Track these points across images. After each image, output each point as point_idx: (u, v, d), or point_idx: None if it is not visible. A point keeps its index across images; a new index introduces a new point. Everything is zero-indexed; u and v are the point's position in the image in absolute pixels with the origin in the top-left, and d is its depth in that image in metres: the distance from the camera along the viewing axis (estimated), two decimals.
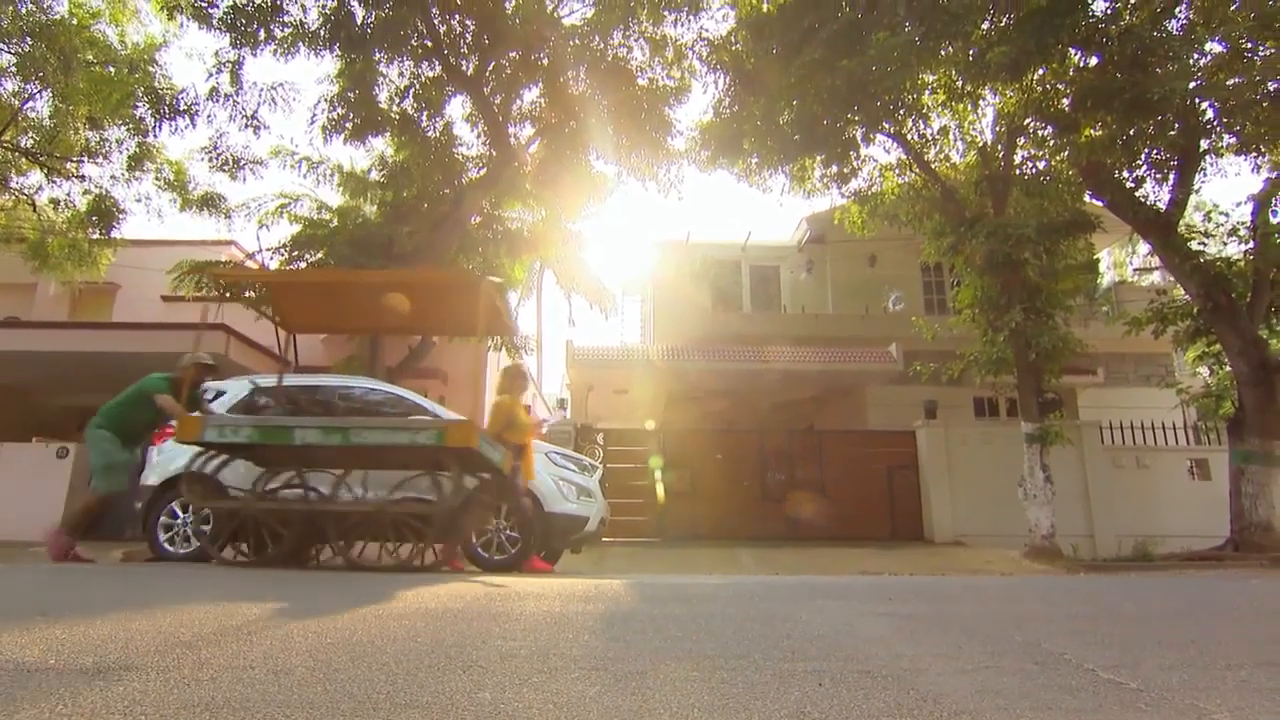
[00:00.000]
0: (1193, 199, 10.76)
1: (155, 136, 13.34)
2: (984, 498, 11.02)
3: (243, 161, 12.26)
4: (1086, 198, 10.40)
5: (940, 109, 10.79)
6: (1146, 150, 9.49)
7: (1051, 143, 9.82)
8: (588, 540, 6.80)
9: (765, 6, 10.72)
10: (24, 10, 12.39)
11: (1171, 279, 11.30)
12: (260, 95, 11.41)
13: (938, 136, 11.21)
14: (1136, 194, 9.84)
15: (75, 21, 12.91)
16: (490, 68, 12.01)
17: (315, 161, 13.19)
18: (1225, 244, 10.38)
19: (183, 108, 11.60)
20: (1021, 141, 10.50)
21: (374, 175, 13.63)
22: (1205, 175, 10.00)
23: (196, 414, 5.65)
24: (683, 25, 11.60)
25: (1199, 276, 9.39)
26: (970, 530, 10.97)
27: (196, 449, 5.56)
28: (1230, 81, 8.66)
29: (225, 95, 11.21)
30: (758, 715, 1.33)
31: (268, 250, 13.16)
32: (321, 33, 10.64)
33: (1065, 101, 9.41)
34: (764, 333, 15.91)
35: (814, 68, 9.17)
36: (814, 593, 4.07)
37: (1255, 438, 9.00)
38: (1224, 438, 10.18)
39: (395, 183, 13.04)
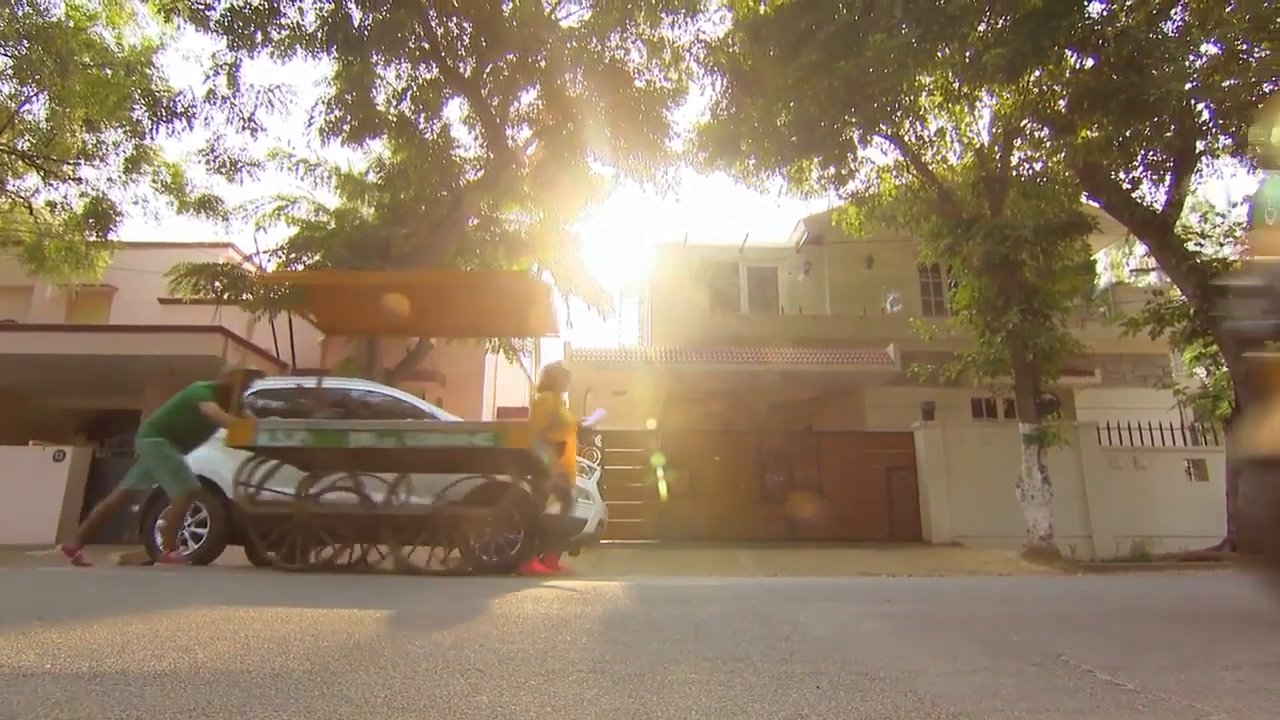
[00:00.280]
0: (1189, 200, 10.79)
1: (152, 139, 13.34)
2: (982, 499, 11.03)
3: (240, 164, 12.25)
4: (1083, 199, 10.43)
5: (937, 110, 10.81)
6: (1143, 151, 9.51)
7: (1048, 144, 9.84)
8: (586, 542, 6.80)
9: (762, 8, 10.74)
10: (20, 13, 12.37)
11: (1168, 280, 11.33)
12: (257, 97, 11.40)
13: (935, 138, 11.24)
14: (1133, 195, 9.86)
15: (72, 24, 12.90)
16: (488, 70, 12.01)
17: (313, 164, 13.19)
18: (1221, 245, 10.41)
19: (180, 110, 11.59)
20: (1018, 143, 10.53)
21: (371, 177, 13.63)
22: (1201, 176, 10.04)
23: (246, 419, 5.60)
24: (680, 27, 11.62)
25: (1195, 277, 9.40)
26: (968, 531, 10.98)
27: (247, 454, 5.52)
28: (1226, 83, 8.69)
29: (222, 97, 11.20)
30: (755, 718, 1.33)
31: (265, 252, 13.15)
32: (319, 35, 10.64)
33: (1062, 103, 9.43)
34: (762, 334, 15.91)
35: (811, 69, 9.19)
36: (812, 594, 4.07)
37: None
38: (1221, 438, 10.20)
39: (393, 185, 13.04)
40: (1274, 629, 2.71)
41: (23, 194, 14.68)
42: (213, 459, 6.22)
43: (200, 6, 10.62)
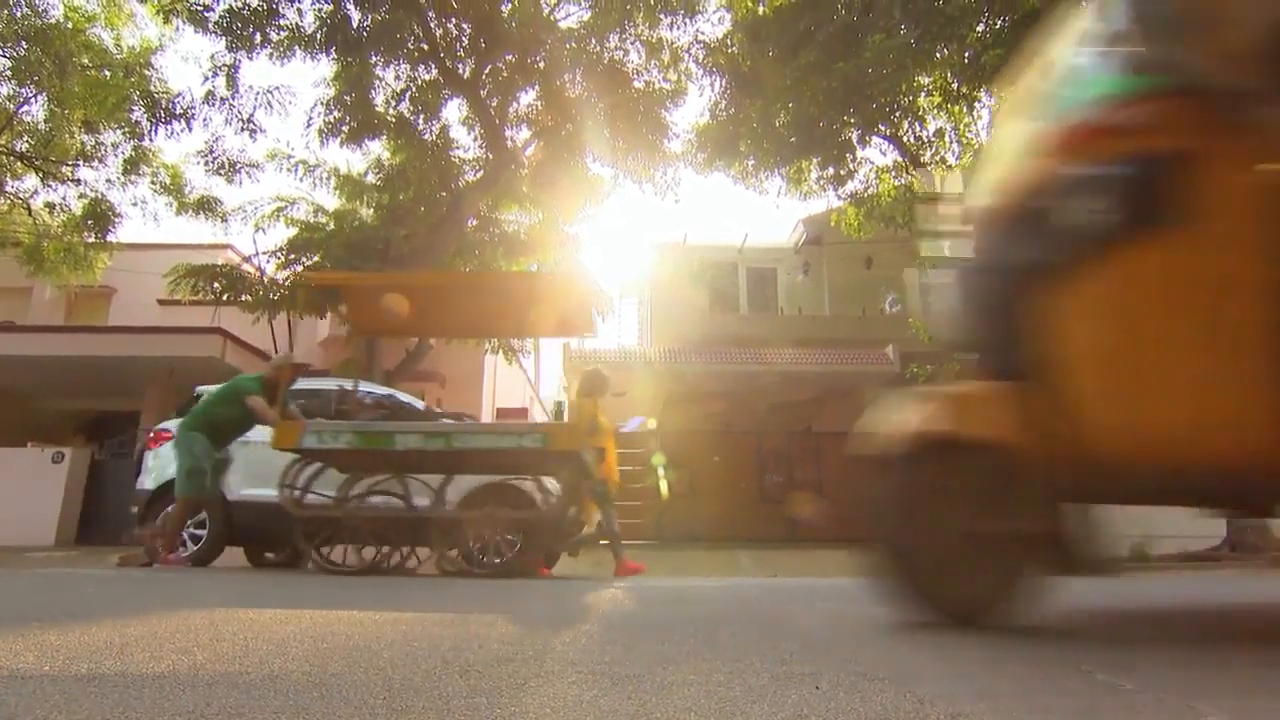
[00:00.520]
0: None
1: (151, 140, 13.35)
2: None
3: (239, 165, 12.27)
4: None
5: (936, 111, 10.83)
6: None
7: None
8: (585, 543, 6.80)
9: (761, 9, 10.75)
10: (19, 14, 12.37)
11: None
12: (256, 99, 11.42)
13: (934, 139, 11.24)
14: None
15: (70, 25, 12.90)
16: (487, 71, 12.02)
17: (312, 165, 13.19)
18: None
19: (179, 111, 11.60)
20: None
21: (370, 178, 13.64)
22: None
23: (292, 419, 5.56)
24: (679, 28, 11.64)
25: None
26: None
27: (293, 455, 5.48)
28: None
29: (221, 99, 11.22)
30: (755, 718, 1.33)
31: (264, 254, 13.15)
32: (318, 36, 10.65)
33: None
34: (761, 334, 15.93)
35: (810, 70, 9.20)
36: (812, 595, 4.07)
37: None
38: None
39: (392, 186, 13.04)
40: (1274, 629, 2.72)
41: (21, 195, 14.69)
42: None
43: (199, 8, 10.62)
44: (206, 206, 13.69)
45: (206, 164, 12.02)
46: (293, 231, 13.05)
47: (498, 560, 5.56)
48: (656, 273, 17.99)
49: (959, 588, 2.34)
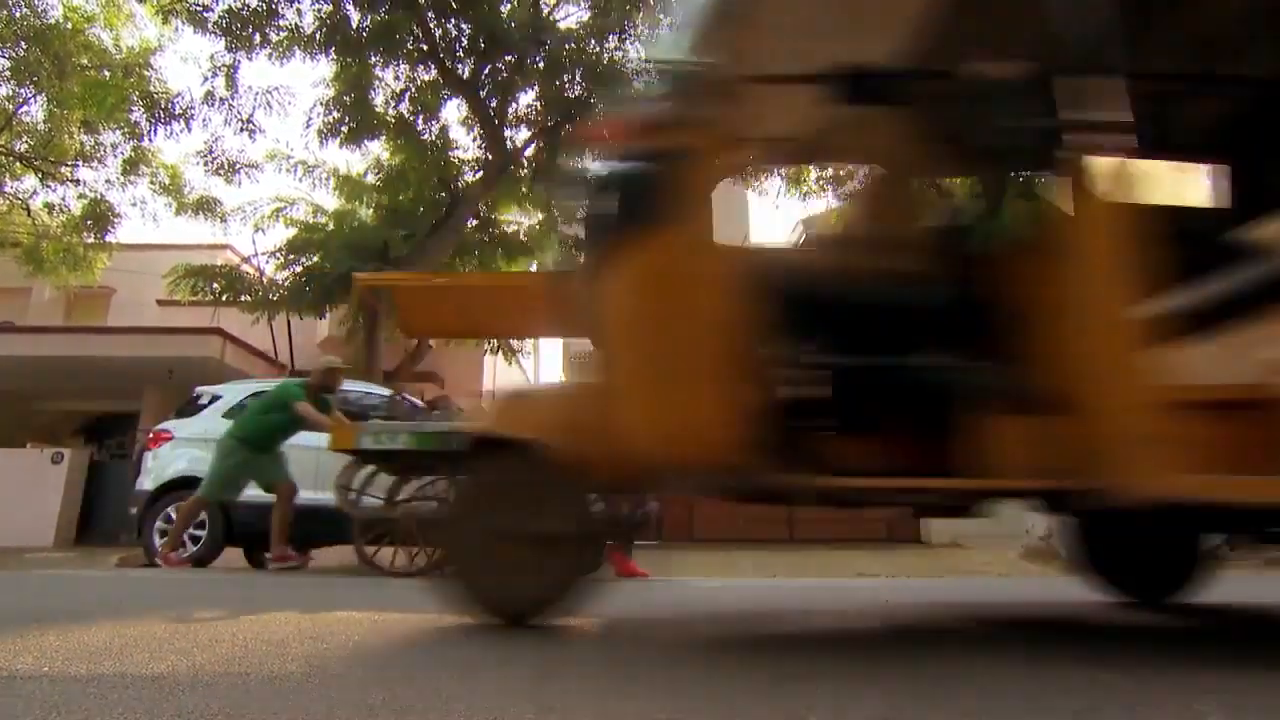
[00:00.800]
0: None
1: (150, 141, 13.34)
2: None
3: (238, 165, 12.27)
4: None
5: None
6: None
7: None
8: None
9: None
10: (18, 15, 12.37)
11: None
12: (256, 99, 11.42)
13: None
14: None
15: (70, 26, 12.90)
16: (486, 71, 12.02)
17: (311, 165, 13.20)
18: None
19: (178, 112, 11.61)
20: None
21: (370, 179, 13.64)
22: None
23: (343, 421, 5.54)
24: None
25: None
26: (966, 532, 10.98)
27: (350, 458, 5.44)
28: None
29: (220, 99, 11.22)
30: (755, 718, 1.33)
31: (263, 254, 13.15)
32: (317, 36, 10.65)
33: None
34: None
35: None
36: (811, 595, 4.07)
37: None
38: None
39: (391, 186, 13.05)
40: (1272, 628, 2.72)
41: (20, 196, 14.67)
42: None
43: (198, 8, 10.63)
44: (206, 207, 13.69)
45: (206, 164, 12.03)
46: (292, 232, 13.05)
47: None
48: None
49: (510, 588, 2.32)
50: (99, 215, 13.71)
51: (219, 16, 10.40)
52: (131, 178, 13.91)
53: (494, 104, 12.35)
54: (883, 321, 2.14)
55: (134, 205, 15.26)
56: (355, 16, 10.79)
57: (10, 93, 13.39)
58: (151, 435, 7.09)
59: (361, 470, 5.51)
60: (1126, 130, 2.25)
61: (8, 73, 12.92)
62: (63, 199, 14.42)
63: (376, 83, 11.83)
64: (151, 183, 14.07)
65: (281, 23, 10.77)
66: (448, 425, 5.34)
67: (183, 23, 10.89)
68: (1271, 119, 2.75)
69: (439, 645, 2.18)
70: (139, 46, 13.74)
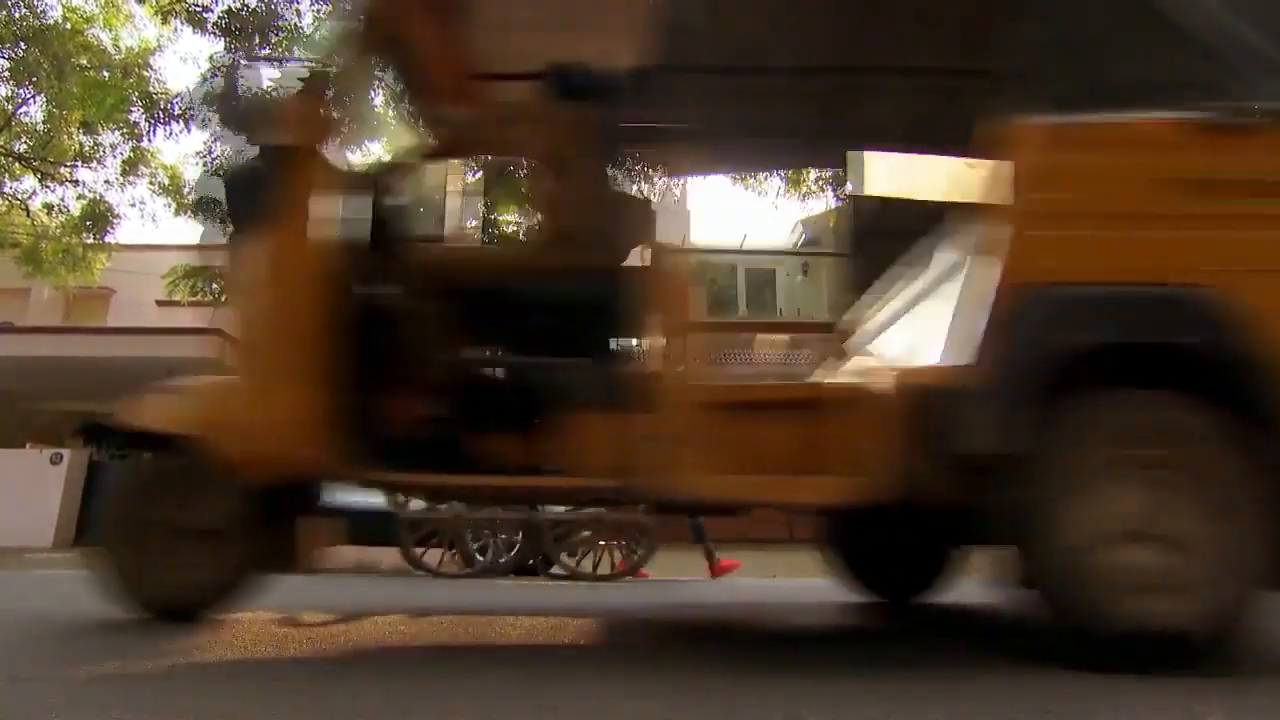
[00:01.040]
0: None
1: (150, 141, 13.31)
2: None
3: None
4: None
5: None
6: None
7: None
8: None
9: None
10: (17, 15, 12.36)
11: None
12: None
13: None
14: None
15: (69, 26, 12.88)
16: None
17: None
18: None
19: (177, 112, 11.58)
20: None
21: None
22: None
23: None
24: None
25: None
26: None
27: None
28: None
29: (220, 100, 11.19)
30: (753, 718, 1.33)
31: None
32: (316, 37, 10.65)
33: None
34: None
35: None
36: (810, 594, 4.07)
37: None
38: None
39: None
40: (1272, 628, 2.72)
41: (20, 196, 14.65)
42: None
43: (198, 8, 10.62)
44: (205, 207, 13.66)
45: (205, 165, 12.01)
46: None
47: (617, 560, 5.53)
48: None
49: (164, 582, 2.28)
50: (98, 216, 13.69)
51: (219, 17, 10.39)
52: (130, 178, 13.90)
53: None
54: (505, 320, 2.14)
55: (133, 206, 15.21)
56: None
57: (10, 93, 13.38)
58: None
59: None
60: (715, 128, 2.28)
61: (7, 73, 12.90)
62: (62, 199, 14.40)
63: (377, 82, 11.81)
64: (151, 183, 14.06)
65: (281, 23, 10.76)
66: None
67: (182, 23, 10.88)
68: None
69: (439, 646, 2.18)
70: (138, 47, 13.72)
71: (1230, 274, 1.74)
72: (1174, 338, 1.74)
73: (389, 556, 6.62)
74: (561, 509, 5.46)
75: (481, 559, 5.58)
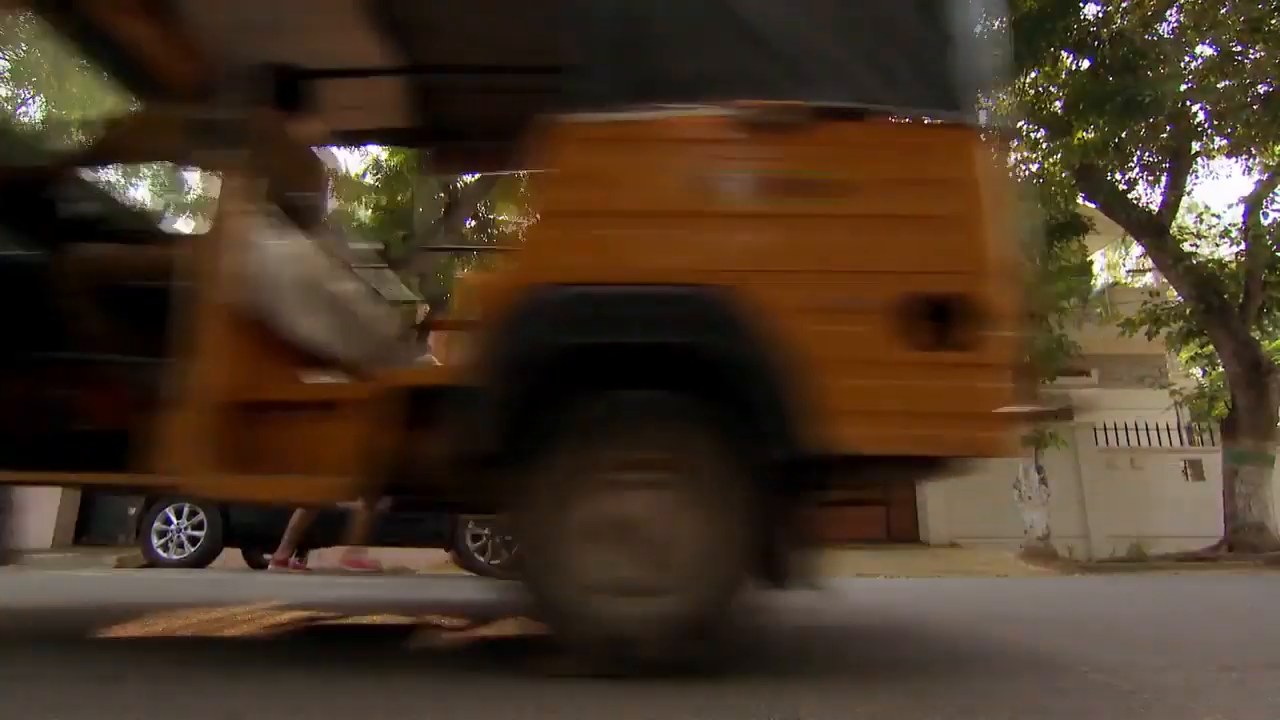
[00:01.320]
0: (1185, 201, 10.82)
1: None
2: (979, 499, 11.03)
3: None
4: (1080, 200, 10.44)
5: None
6: (1139, 153, 9.54)
7: (1044, 145, 9.86)
8: None
9: None
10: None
11: (1164, 280, 11.36)
12: None
13: None
14: (1129, 196, 9.88)
15: None
16: None
17: None
18: (1217, 245, 10.45)
19: None
20: (1015, 144, 10.55)
21: (368, 179, 13.64)
22: (1197, 177, 10.08)
23: None
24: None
25: (1192, 278, 9.43)
26: (965, 532, 10.98)
27: None
28: (1220, 84, 8.72)
29: None
30: (753, 719, 1.34)
31: None
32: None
33: (1058, 104, 9.46)
34: None
35: None
36: (809, 595, 4.07)
37: (1248, 438, 9.04)
38: (1217, 439, 10.23)
39: (390, 187, 13.04)
40: (1270, 629, 2.73)
41: None
42: None
43: None
44: (205, 207, 13.67)
45: None
46: None
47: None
48: None
49: None
50: None
51: None
52: (130, 179, 13.91)
53: None
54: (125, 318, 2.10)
55: (133, 206, 15.12)
56: None
57: (9, 93, 13.37)
58: None
59: None
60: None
61: (7, 74, 12.91)
62: None
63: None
64: (150, 184, 14.08)
65: None
66: None
67: None
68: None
69: (440, 646, 2.18)
70: None
71: (747, 274, 1.69)
72: (666, 338, 1.69)
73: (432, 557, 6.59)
74: None
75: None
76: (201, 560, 6.11)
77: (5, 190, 2.13)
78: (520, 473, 1.68)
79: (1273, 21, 8.25)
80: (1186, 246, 9.99)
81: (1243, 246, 9.81)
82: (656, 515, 1.67)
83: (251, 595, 3.77)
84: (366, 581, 4.99)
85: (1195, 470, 11.41)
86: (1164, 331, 10.54)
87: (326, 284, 2.20)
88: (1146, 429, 11.58)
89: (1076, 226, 9.80)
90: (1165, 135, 9.10)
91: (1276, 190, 9.84)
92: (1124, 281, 18.96)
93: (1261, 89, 8.51)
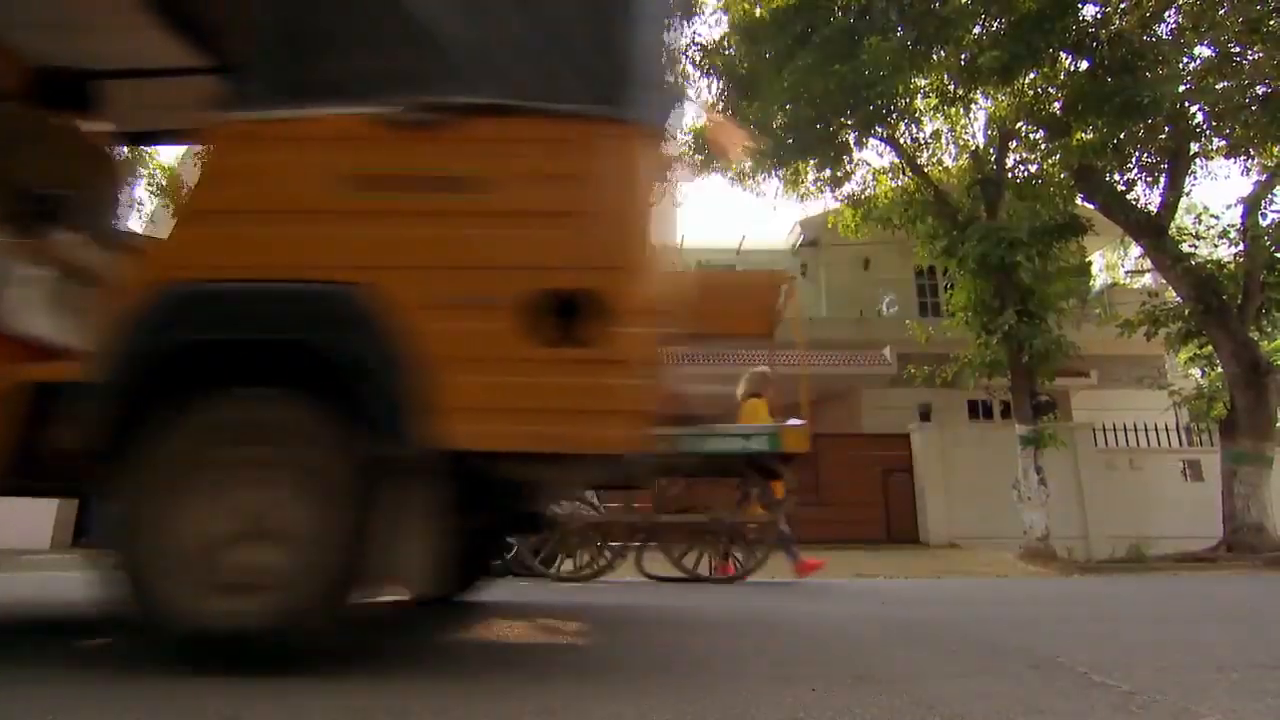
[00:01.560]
0: (1183, 202, 10.84)
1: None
2: (979, 500, 11.04)
3: None
4: (1078, 201, 10.46)
5: (933, 113, 10.84)
6: (1137, 153, 9.56)
7: (1043, 146, 9.88)
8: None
9: (758, 11, 10.76)
10: None
11: (1163, 281, 11.38)
12: None
13: (930, 140, 11.26)
14: (1128, 197, 9.90)
15: None
16: None
17: None
18: (1216, 246, 10.46)
19: None
20: (1013, 145, 10.57)
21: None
22: (1195, 178, 10.09)
23: None
24: (675, 30, 11.61)
25: (1190, 279, 9.45)
26: (965, 533, 10.99)
27: None
28: (1219, 85, 8.74)
29: None
30: (753, 718, 1.34)
31: None
32: None
33: (1057, 105, 9.48)
34: None
35: (807, 72, 9.21)
36: (809, 596, 4.08)
37: (1247, 439, 9.06)
38: (1216, 439, 10.24)
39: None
40: (1269, 630, 2.73)
41: None
42: None
43: None
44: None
45: None
46: None
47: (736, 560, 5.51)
48: None
49: None
50: None
51: None
52: (129, 179, 13.89)
53: None
54: None
55: (131, 207, 15.13)
56: None
57: None
58: None
59: None
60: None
61: None
62: None
63: None
64: (149, 184, 14.05)
65: None
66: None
67: None
68: None
69: (440, 646, 2.18)
70: None
71: (378, 270, 1.69)
72: (275, 334, 1.69)
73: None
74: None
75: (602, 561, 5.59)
76: None
77: None
78: (132, 468, 1.68)
79: (1271, 22, 8.27)
80: (1185, 247, 10.01)
81: (1241, 247, 9.83)
82: (268, 511, 1.67)
83: None
84: None
85: (1194, 471, 11.42)
86: (1163, 332, 10.55)
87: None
88: (1145, 430, 11.59)
89: (1075, 227, 9.82)
90: (1164, 136, 9.12)
91: (1275, 191, 9.86)
92: (1123, 282, 18.97)
93: (1260, 90, 8.53)
